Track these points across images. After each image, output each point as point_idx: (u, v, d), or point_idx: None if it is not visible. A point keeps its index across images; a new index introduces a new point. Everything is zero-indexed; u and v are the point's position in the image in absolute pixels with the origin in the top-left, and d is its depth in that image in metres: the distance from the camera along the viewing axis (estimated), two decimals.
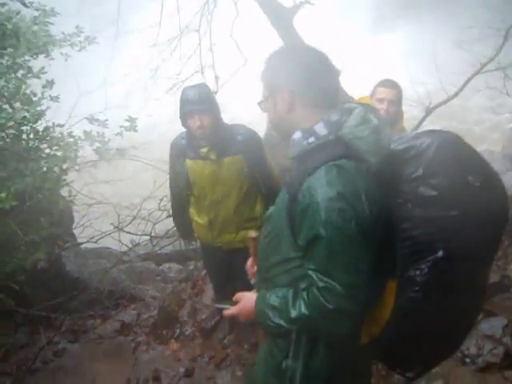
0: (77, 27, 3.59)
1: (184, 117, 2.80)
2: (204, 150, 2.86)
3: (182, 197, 3.15)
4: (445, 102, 6.71)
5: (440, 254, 1.40)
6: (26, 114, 2.96)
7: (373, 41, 12.67)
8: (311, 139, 1.53)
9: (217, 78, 6.37)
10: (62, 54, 3.66)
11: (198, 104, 2.74)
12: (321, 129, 1.53)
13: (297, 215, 1.49)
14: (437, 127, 1.71)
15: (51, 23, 3.36)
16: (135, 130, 3.75)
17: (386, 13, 14.10)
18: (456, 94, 6.57)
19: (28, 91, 3.07)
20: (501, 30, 5.77)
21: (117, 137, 3.86)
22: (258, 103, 1.71)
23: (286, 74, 1.59)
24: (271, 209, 1.76)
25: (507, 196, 1.50)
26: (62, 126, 3.63)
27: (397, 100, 3.12)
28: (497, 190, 1.48)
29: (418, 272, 1.42)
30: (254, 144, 2.98)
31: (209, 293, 4.07)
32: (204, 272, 4.48)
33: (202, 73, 6.76)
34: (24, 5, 3.08)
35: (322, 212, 1.41)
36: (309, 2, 5.64)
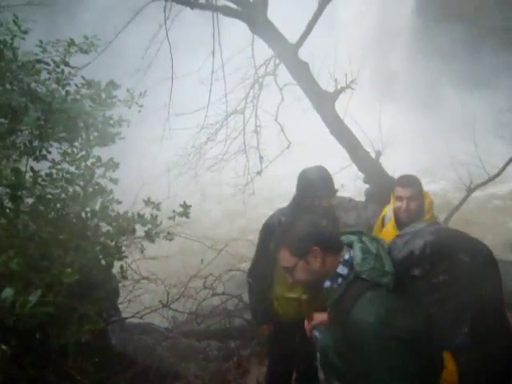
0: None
1: (311, 197, 3.07)
2: None
3: (267, 278, 3.24)
4: (486, 183, 6.72)
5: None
6: (99, 200, 3.11)
7: (413, 121, 12.94)
8: (339, 280, 1.91)
9: (261, 158, 6.63)
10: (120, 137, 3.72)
11: (328, 189, 3.11)
12: (342, 269, 1.90)
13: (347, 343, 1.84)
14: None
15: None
16: (187, 217, 3.85)
17: (424, 93, 14.45)
18: (497, 175, 6.59)
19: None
20: None
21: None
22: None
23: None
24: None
25: None
26: (120, 202, 3.71)
27: (415, 195, 3.18)
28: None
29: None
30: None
31: (254, 374, 4.04)
32: (248, 351, 4.45)
33: (245, 152, 7.04)
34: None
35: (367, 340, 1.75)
36: (350, 88, 5.90)
